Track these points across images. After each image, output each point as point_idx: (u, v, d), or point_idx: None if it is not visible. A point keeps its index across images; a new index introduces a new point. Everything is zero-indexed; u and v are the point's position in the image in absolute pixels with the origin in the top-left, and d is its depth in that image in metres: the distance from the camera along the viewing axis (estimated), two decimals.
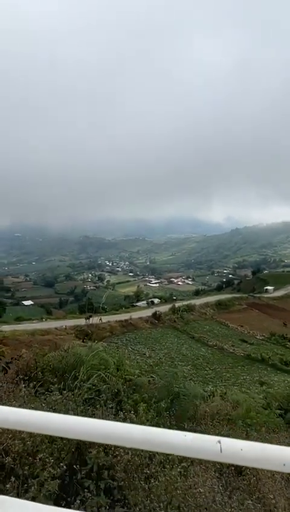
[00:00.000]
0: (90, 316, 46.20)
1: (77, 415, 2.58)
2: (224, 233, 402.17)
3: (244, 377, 34.20)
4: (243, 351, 44.44)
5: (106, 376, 4.31)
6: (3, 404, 3.22)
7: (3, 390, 3.85)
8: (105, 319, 46.87)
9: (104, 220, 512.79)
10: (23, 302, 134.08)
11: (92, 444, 2.38)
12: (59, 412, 2.62)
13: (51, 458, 2.15)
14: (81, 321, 44.84)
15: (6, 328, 37.51)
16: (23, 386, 4.10)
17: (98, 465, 2.27)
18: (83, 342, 38.25)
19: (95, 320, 44.83)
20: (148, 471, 2.49)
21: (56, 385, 3.95)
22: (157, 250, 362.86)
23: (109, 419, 2.68)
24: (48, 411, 2.65)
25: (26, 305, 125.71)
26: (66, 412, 2.64)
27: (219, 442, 1.22)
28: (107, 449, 2.35)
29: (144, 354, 38.35)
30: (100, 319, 45.56)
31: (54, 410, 2.66)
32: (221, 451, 1.20)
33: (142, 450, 2.27)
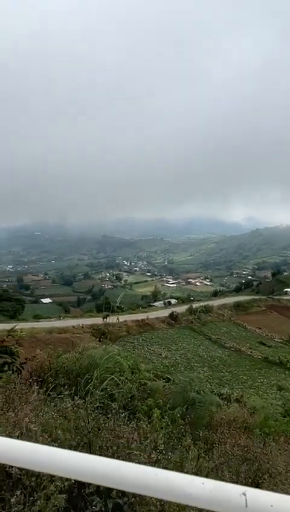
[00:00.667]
0: (108, 315, 46.42)
1: (88, 423, 2.51)
2: (244, 233, 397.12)
3: (262, 380, 33.69)
4: (261, 353, 43.73)
5: (119, 380, 4.24)
6: (15, 408, 3.18)
7: (16, 392, 3.81)
8: (122, 318, 47.04)
9: (124, 220, 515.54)
10: (41, 300, 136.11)
11: (103, 455, 2.32)
12: (69, 420, 2.56)
13: None
14: (98, 320, 45.13)
15: (24, 325, 38.15)
16: (36, 388, 4.06)
17: None
18: (99, 341, 38.66)
19: (112, 319, 45.04)
20: None
21: (68, 390, 3.90)
22: (176, 250, 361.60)
23: (120, 429, 2.60)
24: (58, 419, 2.59)
25: (45, 303, 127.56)
26: (77, 421, 2.57)
27: (244, 494, 1.01)
28: None
29: (160, 354, 38.27)
30: (118, 319, 45.72)
31: (65, 418, 2.60)
32: (246, 505, 0.98)
33: (154, 462, 2.18)
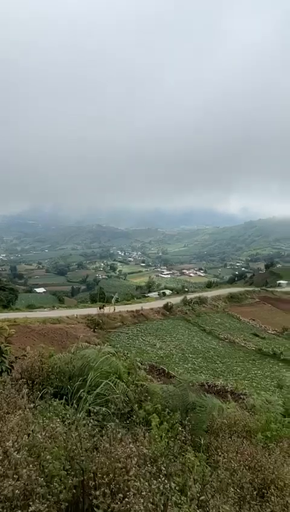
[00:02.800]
0: (104, 305, 46.23)
1: (80, 448, 2.22)
2: (238, 225, 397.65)
3: (255, 371, 33.80)
4: (255, 345, 43.92)
5: (115, 384, 3.96)
6: (3, 416, 2.89)
7: (3, 396, 3.52)
8: (116, 309, 46.87)
9: (119, 210, 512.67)
10: (35, 289, 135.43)
11: (98, 483, 2.03)
12: (59, 445, 2.26)
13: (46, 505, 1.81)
14: (93, 310, 44.90)
15: (18, 315, 37.81)
16: (26, 390, 3.77)
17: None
18: (94, 331, 38.36)
19: (108, 309, 44.86)
20: None
21: (59, 395, 3.63)
22: (170, 241, 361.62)
23: (116, 450, 2.32)
24: (47, 440, 2.30)
25: (39, 293, 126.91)
26: (67, 443, 2.27)
27: None
28: (115, 491, 1.98)
29: (155, 345, 38.24)
30: (114, 309, 45.54)
31: (54, 441, 2.31)
32: None
33: (159, 495, 1.91)
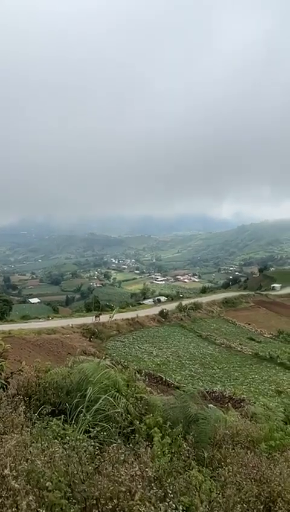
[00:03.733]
0: (100, 314, 45.85)
1: (81, 474, 2.12)
2: (230, 230, 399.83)
3: (253, 376, 33.71)
4: (251, 349, 43.89)
5: (115, 398, 3.86)
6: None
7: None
8: (113, 317, 46.53)
9: (112, 218, 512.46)
10: (29, 299, 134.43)
11: (101, 510, 1.92)
12: (59, 470, 2.15)
13: None
14: (88, 319, 44.58)
15: (13, 327, 37.41)
16: (23, 408, 3.66)
17: None
18: (90, 340, 37.98)
19: (104, 318, 44.47)
20: None
21: (57, 411, 3.51)
22: (163, 247, 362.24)
23: (119, 473, 2.22)
24: (47, 466, 2.18)
25: (33, 303, 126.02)
26: (67, 467, 2.15)
27: None
28: None
29: (151, 352, 38.01)
30: (111, 317, 45.25)
31: (56, 467, 2.20)
32: None
33: None
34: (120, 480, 2.13)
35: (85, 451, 2.44)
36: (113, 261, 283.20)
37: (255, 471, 3.47)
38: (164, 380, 28.50)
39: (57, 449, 2.36)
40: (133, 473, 2.16)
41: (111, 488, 2.07)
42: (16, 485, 1.87)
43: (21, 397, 3.94)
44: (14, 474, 1.95)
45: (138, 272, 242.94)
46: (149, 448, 3.02)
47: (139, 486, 2.10)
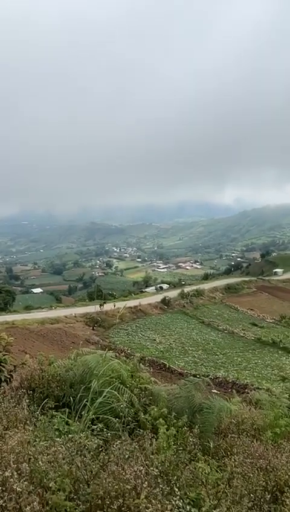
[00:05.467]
0: (104, 303, 46.16)
1: (86, 474, 2.08)
2: (232, 216, 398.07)
3: (256, 361, 33.91)
4: (254, 334, 44.08)
5: (119, 390, 3.83)
6: (2, 432, 2.75)
7: (2, 409, 3.37)
8: (116, 305, 46.75)
9: (113, 207, 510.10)
10: (32, 290, 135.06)
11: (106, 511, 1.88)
12: (63, 466, 2.12)
13: None
14: (91, 308, 44.78)
15: (16, 317, 37.60)
16: (26, 402, 3.63)
17: None
18: (93, 329, 38.25)
19: (107, 307, 44.80)
20: None
21: (61, 404, 3.49)
22: (165, 235, 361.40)
23: (124, 471, 2.18)
24: (50, 466, 2.14)
25: (36, 293, 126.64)
26: (72, 473, 2.09)
27: None
28: None
29: (155, 340, 38.22)
30: (114, 305, 45.51)
31: (60, 467, 2.16)
32: None
33: None
34: (125, 478, 2.09)
35: (89, 448, 2.40)
36: (115, 249, 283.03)
37: (261, 460, 3.46)
38: (167, 366, 28.68)
39: (60, 448, 2.31)
40: (139, 471, 2.11)
41: (116, 486, 2.04)
42: (18, 489, 1.82)
43: (24, 390, 3.93)
44: (16, 477, 1.90)
45: (139, 260, 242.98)
46: (154, 441, 3.00)
47: (145, 485, 2.05)
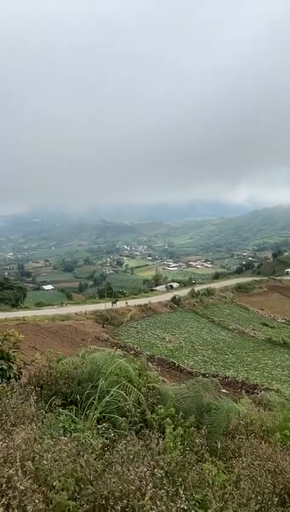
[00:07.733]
0: (117, 300, 46.40)
1: (90, 474, 2.07)
2: (243, 215, 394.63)
3: (266, 361, 33.64)
4: (264, 334, 43.72)
5: (126, 389, 3.82)
6: (9, 429, 2.76)
7: (11, 405, 3.39)
8: (125, 303, 46.95)
9: (123, 206, 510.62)
10: (43, 286, 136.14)
11: None
12: (67, 465, 2.12)
13: None
14: (101, 306, 45.00)
15: (27, 314, 37.98)
16: (34, 398, 3.64)
17: None
18: (103, 327, 38.48)
19: (119, 305, 45.09)
20: None
21: (68, 401, 3.50)
22: (175, 233, 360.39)
23: (129, 472, 2.16)
24: (55, 464, 2.14)
25: (47, 290, 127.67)
26: (76, 472, 2.09)
27: None
28: None
29: (164, 338, 38.20)
30: (126, 303, 45.68)
31: (64, 466, 2.16)
32: None
33: None
34: (130, 478, 2.07)
35: (94, 448, 2.40)
36: (126, 247, 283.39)
37: (269, 462, 3.42)
38: (176, 365, 28.64)
39: (64, 447, 2.31)
40: (143, 473, 2.09)
41: (120, 487, 2.03)
42: (22, 487, 1.82)
43: (33, 387, 3.95)
44: (20, 475, 1.91)
45: (150, 258, 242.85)
46: (161, 440, 2.98)
47: (150, 486, 2.04)
